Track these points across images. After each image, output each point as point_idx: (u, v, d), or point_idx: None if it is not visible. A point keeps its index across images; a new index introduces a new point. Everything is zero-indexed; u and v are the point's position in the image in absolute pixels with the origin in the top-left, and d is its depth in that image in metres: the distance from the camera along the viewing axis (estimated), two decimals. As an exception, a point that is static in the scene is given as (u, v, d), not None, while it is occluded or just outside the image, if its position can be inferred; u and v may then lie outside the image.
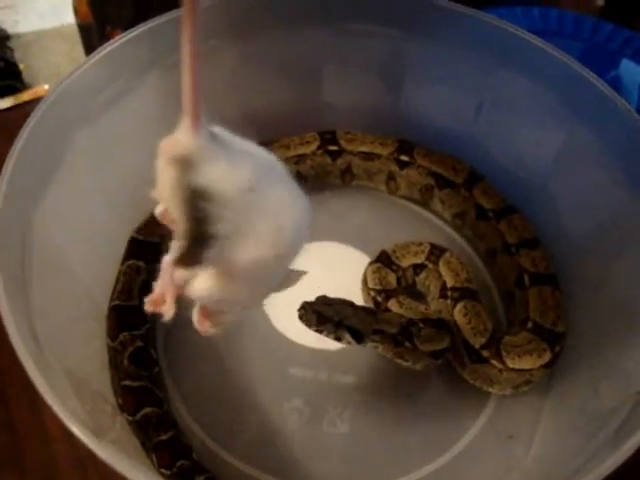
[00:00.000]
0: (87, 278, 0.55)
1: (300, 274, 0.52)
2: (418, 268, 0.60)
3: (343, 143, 0.67)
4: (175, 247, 0.37)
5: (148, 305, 0.40)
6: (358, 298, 0.61)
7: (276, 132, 0.67)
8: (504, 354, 0.53)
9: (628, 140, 0.53)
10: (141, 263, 0.59)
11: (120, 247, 0.60)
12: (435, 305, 0.59)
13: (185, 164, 0.34)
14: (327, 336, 0.51)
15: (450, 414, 0.56)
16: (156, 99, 0.60)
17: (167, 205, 0.37)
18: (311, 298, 0.58)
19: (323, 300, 0.52)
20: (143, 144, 0.59)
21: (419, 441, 0.55)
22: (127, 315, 0.57)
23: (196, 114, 0.35)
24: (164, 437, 0.51)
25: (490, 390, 0.55)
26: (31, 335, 0.43)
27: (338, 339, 0.51)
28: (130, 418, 0.52)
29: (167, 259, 0.37)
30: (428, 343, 0.52)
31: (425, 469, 0.53)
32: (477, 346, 0.53)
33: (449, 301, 0.57)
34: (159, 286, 0.39)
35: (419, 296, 0.61)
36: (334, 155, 0.67)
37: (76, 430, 0.37)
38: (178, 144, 0.35)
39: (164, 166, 0.35)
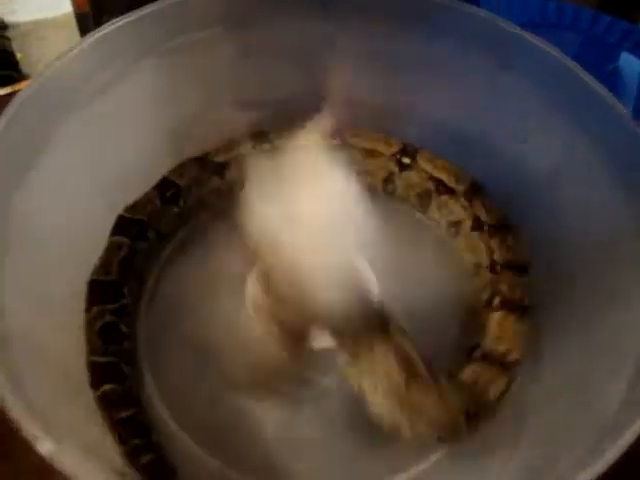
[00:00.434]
0: (71, 263, 0.55)
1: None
2: None
3: (346, 137, 0.65)
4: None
5: None
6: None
7: (276, 123, 0.66)
8: None
9: (627, 150, 0.52)
10: (125, 239, 0.59)
11: (106, 231, 0.59)
12: None
13: None
14: None
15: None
16: (148, 87, 0.61)
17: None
18: None
19: None
20: (134, 131, 0.61)
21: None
22: (103, 290, 0.56)
23: None
24: (124, 414, 0.50)
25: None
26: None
27: None
28: (94, 392, 0.51)
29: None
30: None
31: (413, 469, 0.52)
32: None
33: None
34: None
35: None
36: (335, 149, 0.66)
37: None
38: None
39: None
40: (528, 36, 0.57)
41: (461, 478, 0.51)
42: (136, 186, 0.62)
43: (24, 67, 0.78)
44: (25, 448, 0.36)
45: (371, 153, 0.65)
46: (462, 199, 0.62)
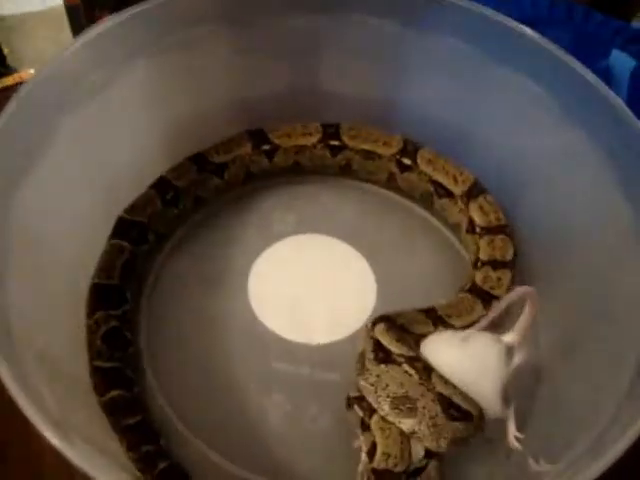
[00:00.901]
0: (68, 260, 0.55)
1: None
2: None
3: (345, 139, 0.65)
4: None
5: None
6: (342, 291, 0.61)
7: (272, 120, 0.66)
8: None
9: (623, 143, 0.52)
10: (125, 243, 0.58)
11: (103, 231, 0.59)
12: None
13: None
14: None
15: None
16: (142, 86, 0.60)
17: None
18: (295, 291, 0.59)
19: None
20: (129, 130, 0.61)
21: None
22: (105, 294, 0.56)
23: None
24: (131, 421, 0.51)
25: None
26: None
27: None
28: (100, 399, 0.51)
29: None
30: None
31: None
32: None
33: None
34: None
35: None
36: (335, 150, 0.65)
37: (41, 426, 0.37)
38: None
39: None
40: (526, 30, 0.57)
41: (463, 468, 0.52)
42: (132, 185, 0.61)
43: (11, 61, 0.75)
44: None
45: (371, 155, 0.65)
46: (459, 202, 0.63)
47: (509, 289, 0.56)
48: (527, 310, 0.49)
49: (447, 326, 0.52)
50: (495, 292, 0.56)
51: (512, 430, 0.48)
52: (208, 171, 0.63)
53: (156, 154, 0.63)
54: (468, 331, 0.50)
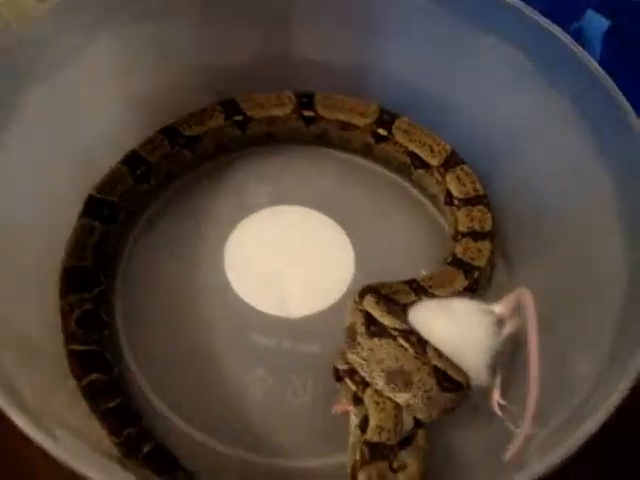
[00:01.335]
0: (38, 241, 0.53)
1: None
2: None
3: (320, 109, 0.64)
4: None
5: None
6: (319, 263, 0.61)
7: (245, 89, 0.64)
8: None
9: (598, 103, 0.52)
10: (96, 223, 0.57)
11: (73, 206, 0.57)
12: None
13: None
14: None
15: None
16: (109, 56, 0.58)
17: None
18: (272, 263, 0.59)
19: None
20: (97, 101, 0.58)
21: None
22: (78, 277, 0.55)
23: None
24: (111, 404, 0.50)
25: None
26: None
27: None
28: (78, 383, 0.50)
29: None
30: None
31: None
32: None
33: None
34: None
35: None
36: (308, 121, 0.64)
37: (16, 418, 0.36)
38: None
39: None
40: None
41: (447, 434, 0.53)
42: (102, 159, 0.59)
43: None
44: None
45: (346, 126, 0.64)
46: (436, 174, 0.62)
47: (490, 259, 0.56)
48: (519, 291, 0.50)
49: (429, 296, 0.52)
50: (476, 263, 0.56)
51: (496, 397, 0.49)
52: (180, 145, 0.61)
53: (127, 126, 0.61)
54: (457, 300, 0.51)
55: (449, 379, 0.45)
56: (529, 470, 0.37)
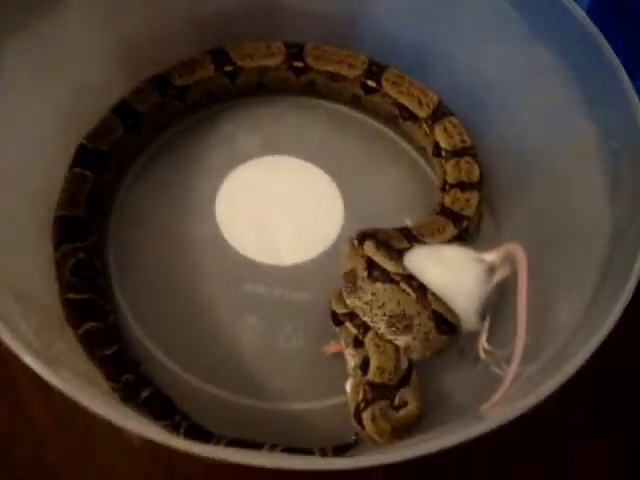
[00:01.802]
0: (29, 186, 0.53)
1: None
2: None
3: (310, 60, 0.63)
4: None
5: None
6: (309, 212, 0.61)
7: (234, 38, 0.64)
8: None
9: (586, 55, 0.53)
10: (88, 172, 0.56)
11: (65, 154, 0.57)
12: None
13: None
14: None
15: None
16: (94, 3, 0.57)
17: None
18: (263, 213, 0.59)
19: None
20: (86, 50, 0.57)
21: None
22: (71, 226, 0.55)
23: None
24: (108, 352, 0.51)
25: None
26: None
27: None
28: (75, 331, 0.51)
29: None
30: None
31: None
32: None
33: None
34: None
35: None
36: (298, 72, 0.64)
37: (25, 357, 0.36)
38: None
39: None
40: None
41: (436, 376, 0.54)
42: (92, 108, 0.58)
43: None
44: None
45: (335, 77, 0.64)
46: (424, 125, 0.62)
47: (478, 209, 0.57)
48: (512, 245, 0.51)
49: (421, 243, 0.53)
50: (465, 213, 0.57)
51: (483, 342, 0.50)
52: (170, 95, 0.61)
53: (115, 75, 0.60)
54: (448, 248, 0.52)
55: (446, 322, 0.47)
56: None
